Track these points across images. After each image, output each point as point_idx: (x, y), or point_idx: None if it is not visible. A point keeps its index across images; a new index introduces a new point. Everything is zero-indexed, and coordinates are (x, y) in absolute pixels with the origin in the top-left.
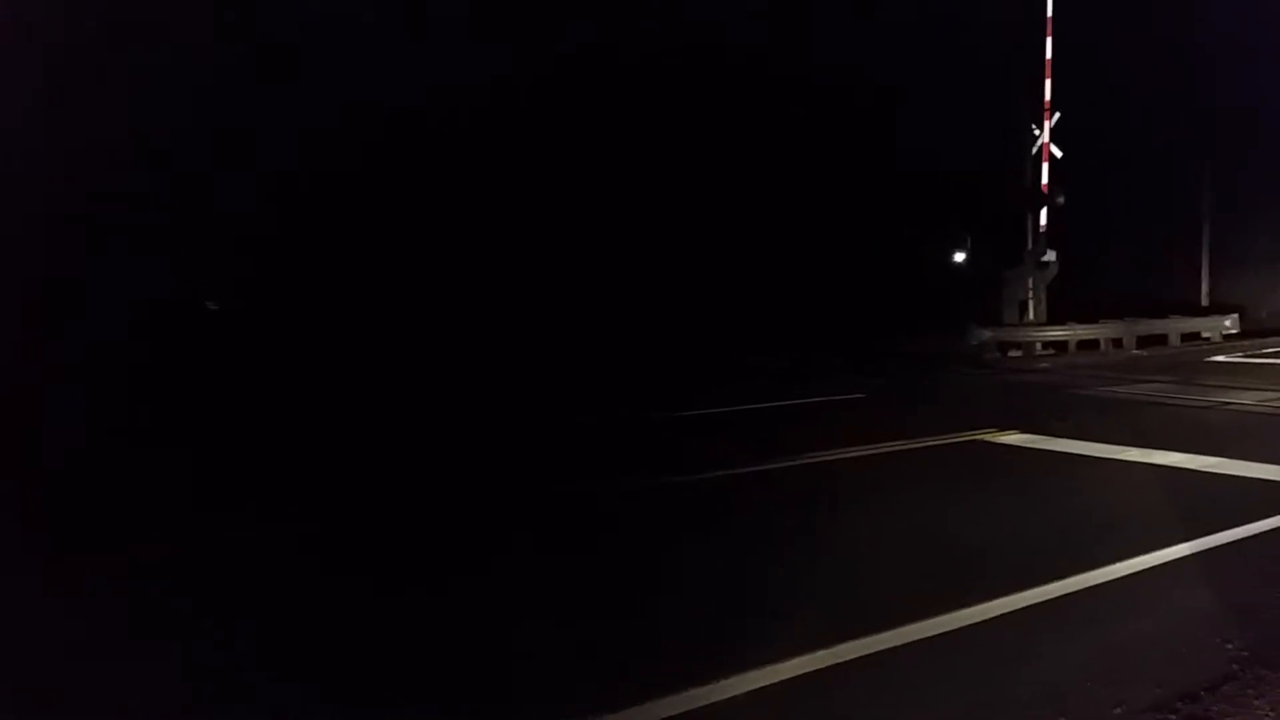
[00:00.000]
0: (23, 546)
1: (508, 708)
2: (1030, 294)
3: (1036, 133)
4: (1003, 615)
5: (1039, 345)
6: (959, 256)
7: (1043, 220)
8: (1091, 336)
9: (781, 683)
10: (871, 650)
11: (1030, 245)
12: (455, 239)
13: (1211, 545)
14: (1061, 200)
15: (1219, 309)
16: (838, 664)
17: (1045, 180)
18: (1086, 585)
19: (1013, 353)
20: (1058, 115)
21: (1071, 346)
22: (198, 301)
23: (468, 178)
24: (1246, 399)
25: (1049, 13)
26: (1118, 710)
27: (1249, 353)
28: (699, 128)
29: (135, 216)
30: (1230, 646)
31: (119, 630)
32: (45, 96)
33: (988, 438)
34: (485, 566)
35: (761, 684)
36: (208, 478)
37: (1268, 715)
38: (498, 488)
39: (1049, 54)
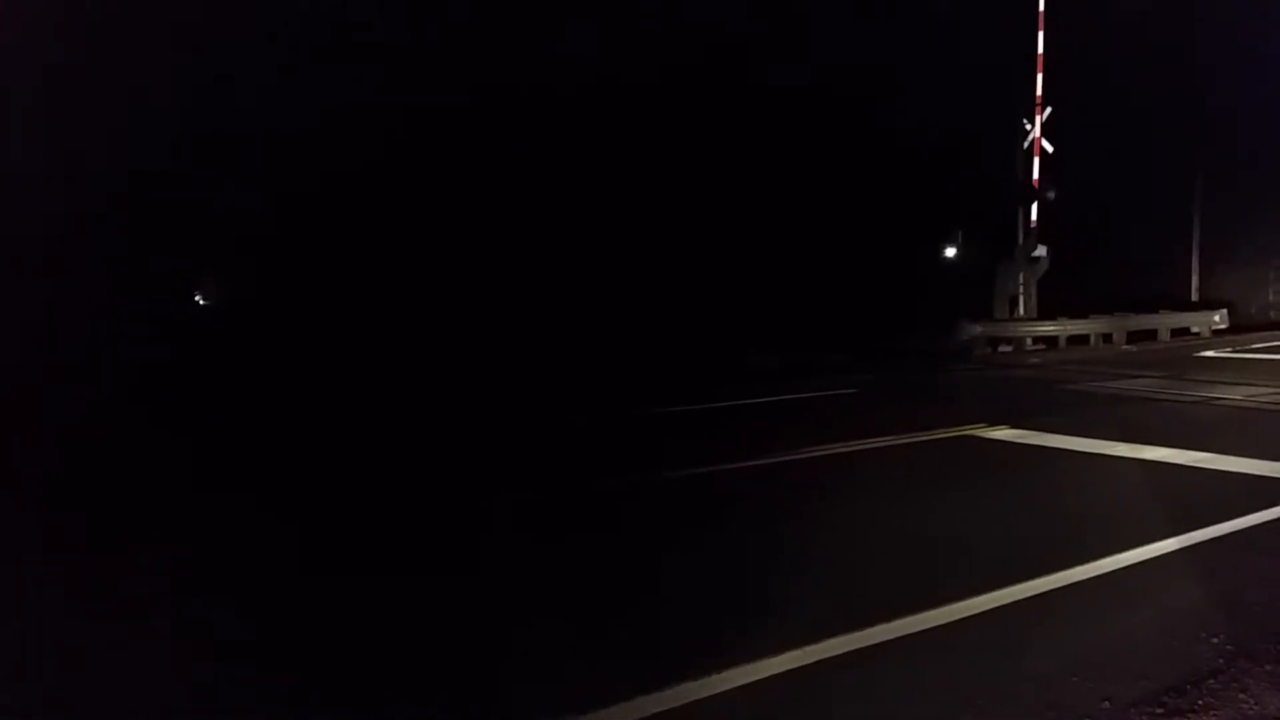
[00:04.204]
0: (21, 546)
1: (500, 703)
2: (1021, 289)
3: (1028, 127)
4: (990, 610)
5: (1029, 341)
6: (950, 252)
7: (1033, 215)
8: (1082, 332)
9: (771, 677)
10: (860, 645)
11: (1021, 240)
12: (461, 240)
13: (1198, 540)
14: (1052, 195)
15: (1208, 304)
16: (826, 659)
17: (1036, 175)
18: (1074, 580)
19: (1003, 348)
20: (1049, 110)
21: (1062, 342)
22: (187, 295)
23: (473, 178)
24: (1235, 394)
25: (1040, 7)
26: (1105, 704)
27: (1238, 348)
28: (695, 130)
29: (135, 216)
30: (1216, 640)
31: (119, 630)
32: (45, 95)
33: (977, 433)
34: (477, 566)
35: (752, 678)
36: (211, 478)
37: (1252, 708)
38: (490, 489)
39: (1040, 49)
